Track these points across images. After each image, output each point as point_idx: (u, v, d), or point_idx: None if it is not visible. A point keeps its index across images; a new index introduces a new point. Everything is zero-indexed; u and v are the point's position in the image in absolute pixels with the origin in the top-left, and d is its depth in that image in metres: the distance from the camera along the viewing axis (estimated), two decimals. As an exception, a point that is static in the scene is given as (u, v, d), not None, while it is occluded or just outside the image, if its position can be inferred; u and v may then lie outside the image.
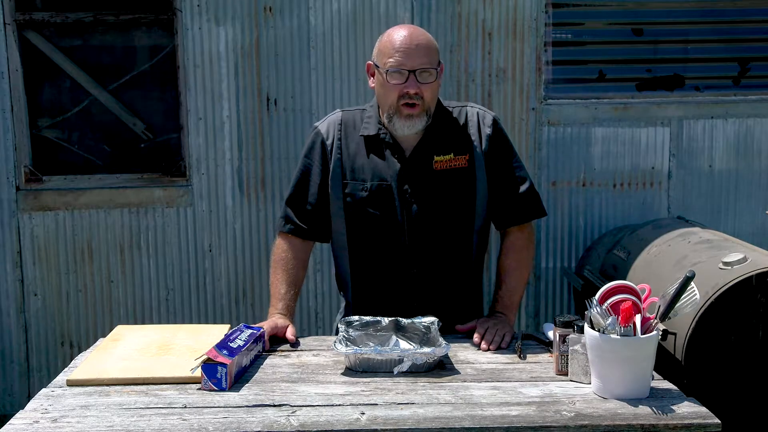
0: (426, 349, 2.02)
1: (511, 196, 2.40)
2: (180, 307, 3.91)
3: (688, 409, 1.77)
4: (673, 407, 1.78)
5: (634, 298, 1.86)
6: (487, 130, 2.38)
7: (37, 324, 3.88)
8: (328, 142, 2.39)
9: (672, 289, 1.89)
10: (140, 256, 3.87)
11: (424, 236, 2.33)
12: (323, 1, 3.75)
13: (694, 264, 2.77)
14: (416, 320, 2.22)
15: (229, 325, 2.35)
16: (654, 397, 1.85)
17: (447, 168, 2.32)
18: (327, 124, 2.43)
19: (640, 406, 1.79)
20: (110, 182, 3.86)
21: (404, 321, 2.22)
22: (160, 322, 3.84)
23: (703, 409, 1.77)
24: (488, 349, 2.18)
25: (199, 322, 3.87)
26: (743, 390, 2.57)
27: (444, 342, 2.05)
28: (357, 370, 2.02)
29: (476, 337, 2.23)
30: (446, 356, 2.10)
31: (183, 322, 3.86)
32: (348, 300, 2.48)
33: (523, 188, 2.40)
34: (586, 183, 3.96)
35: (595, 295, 1.89)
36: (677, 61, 4.02)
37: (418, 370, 2.01)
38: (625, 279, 2.76)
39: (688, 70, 4.02)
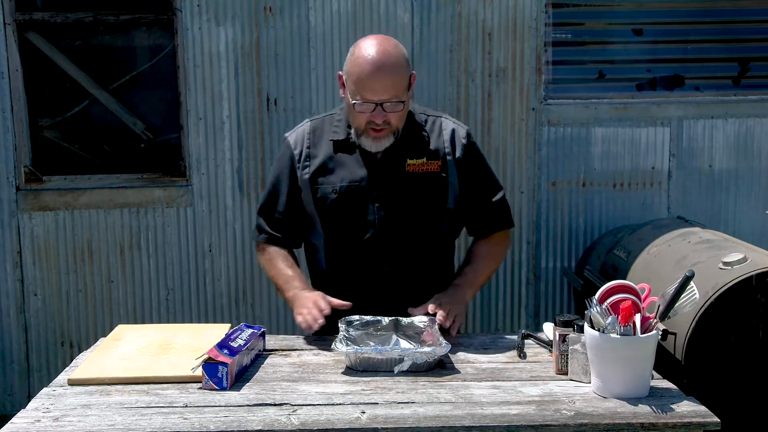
0: (426, 349, 2.02)
1: (484, 205, 2.48)
2: (180, 307, 3.91)
3: (687, 408, 1.78)
4: (673, 406, 1.78)
5: (633, 297, 1.87)
6: (462, 141, 2.44)
7: (37, 324, 3.88)
8: (296, 152, 2.44)
9: (671, 289, 1.89)
10: (140, 256, 3.87)
11: (397, 235, 2.37)
12: (323, 1, 3.75)
13: (694, 264, 2.77)
14: (416, 320, 2.23)
15: (229, 325, 2.35)
16: (653, 396, 1.85)
17: (419, 171, 2.37)
18: (296, 135, 2.49)
19: (640, 405, 1.79)
20: (110, 182, 3.86)
21: (405, 320, 2.23)
22: (160, 322, 3.84)
23: (703, 408, 1.78)
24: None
25: (199, 322, 3.87)
26: (743, 390, 2.57)
27: (444, 341, 2.05)
28: (357, 369, 2.03)
29: (427, 310, 2.25)
30: (446, 355, 2.10)
31: (183, 322, 3.86)
32: None
33: (496, 198, 2.49)
34: (586, 183, 3.96)
35: (594, 295, 1.89)
36: (677, 61, 4.02)
37: (419, 370, 2.01)
38: (625, 279, 2.76)
39: (688, 70, 4.02)
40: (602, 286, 1.92)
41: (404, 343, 2.14)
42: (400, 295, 2.37)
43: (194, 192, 3.84)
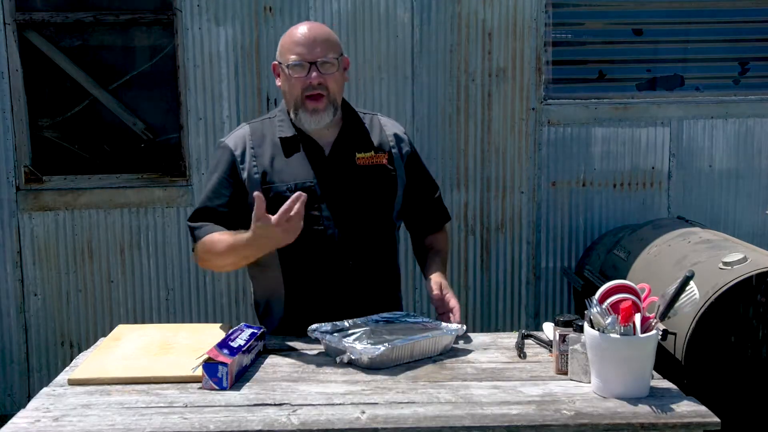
0: (451, 326, 2.13)
1: (428, 203, 2.53)
2: (180, 307, 3.91)
3: (687, 408, 1.78)
4: (673, 406, 1.78)
5: (633, 297, 1.87)
6: (403, 137, 2.48)
7: (37, 324, 3.89)
8: (237, 153, 2.35)
9: (671, 289, 1.89)
10: (140, 256, 3.87)
11: (355, 229, 2.35)
12: (323, 1, 3.75)
13: (694, 264, 2.77)
14: (419, 320, 2.26)
15: (229, 325, 2.35)
16: (654, 396, 1.85)
17: (369, 164, 2.38)
18: (234, 138, 2.39)
19: (640, 405, 1.79)
20: (110, 182, 3.86)
21: (410, 320, 2.25)
22: (160, 322, 3.84)
23: (703, 408, 1.78)
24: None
25: (199, 322, 3.87)
26: (743, 390, 2.58)
27: (457, 324, 2.16)
28: (376, 368, 2.00)
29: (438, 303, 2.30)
30: (446, 355, 2.10)
31: (183, 322, 3.86)
32: (279, 312, 2.41)
33: (436, 195, 2.56)
34: (586, 183, 3.96)
35: (594, 295, 1.89)
36: (677, 61, 4.02)
37: (432, 355, 2.07)
38: (625, 279, 2.76)
39: (688, 70, 4.03)
40: (602, 286, 1.92)
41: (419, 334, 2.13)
42: (362, 290, 2.36)
43: (194, 192, 3.84)
